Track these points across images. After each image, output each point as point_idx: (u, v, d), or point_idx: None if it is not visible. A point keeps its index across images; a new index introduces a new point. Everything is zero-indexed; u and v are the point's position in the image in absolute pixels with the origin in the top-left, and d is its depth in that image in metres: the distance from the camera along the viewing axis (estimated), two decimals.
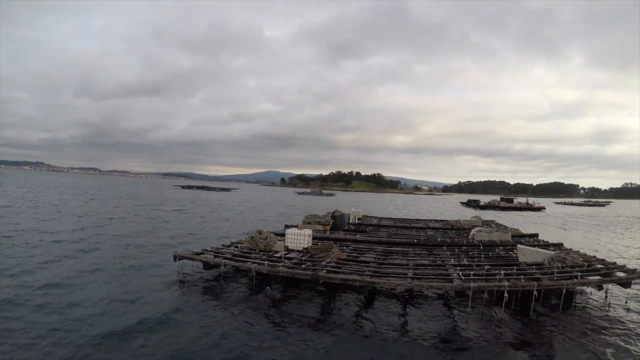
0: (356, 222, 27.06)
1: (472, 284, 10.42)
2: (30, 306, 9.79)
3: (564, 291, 11.00)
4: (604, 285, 11.84)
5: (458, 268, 12.89)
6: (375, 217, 33.20)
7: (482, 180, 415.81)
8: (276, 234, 17.66)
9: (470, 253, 16.27)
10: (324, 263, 12.79)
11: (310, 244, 15.17)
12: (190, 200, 58.46)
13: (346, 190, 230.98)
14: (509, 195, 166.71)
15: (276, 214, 44.48)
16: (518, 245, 16.07)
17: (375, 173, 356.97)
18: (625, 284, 11.68)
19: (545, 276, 11.82)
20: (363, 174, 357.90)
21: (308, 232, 15.79)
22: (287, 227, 20.49)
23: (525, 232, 24.25)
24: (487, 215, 51.69)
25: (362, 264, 13.21)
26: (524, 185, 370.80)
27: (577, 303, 11.71)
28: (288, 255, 13.98)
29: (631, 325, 10.01)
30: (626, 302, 11.94)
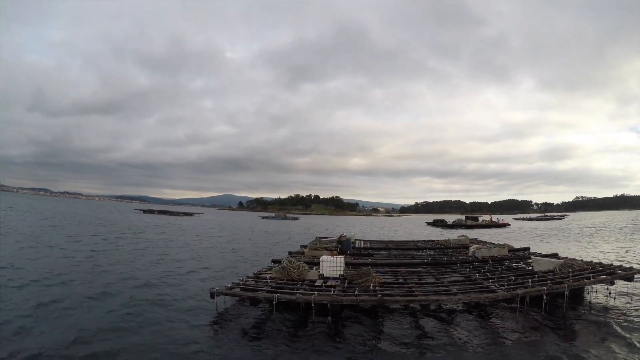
0: (357, 247, 26.93)
1: (518, 292, 11.87)
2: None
3: (585, 290, 14.28)
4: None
5: (490, 280, 13.92)
6: (367, 241, 33.33)
7: (438, 200, 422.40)
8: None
9: (487, 267, 17.55)
10: (371, 288, 12.96)
11: (343, 271, 15.23)
12: (164, 227, 56.49)
13: (306, 214, 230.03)
14: (465, 213, 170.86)
15: (262, 240, 43.79)
16: (532, 257, 17.76)
17: (334, 196, 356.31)
18: (629, 278, 14.42)
19: (565, 279, 13.44)
20: (321, 196, 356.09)
21: (341, 258, 15.84)
22: (273, 261, 19.72)
23: (517, 247, 25.51)
24: (457, 234, 53.56)
25: (405, 286, 13.56)
26: (480, 203, 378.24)
27: (586, 300, 14.20)
28: (328, 284, 13.77)
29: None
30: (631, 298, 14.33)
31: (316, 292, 12.20)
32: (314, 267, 15.62)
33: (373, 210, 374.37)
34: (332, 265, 15.23)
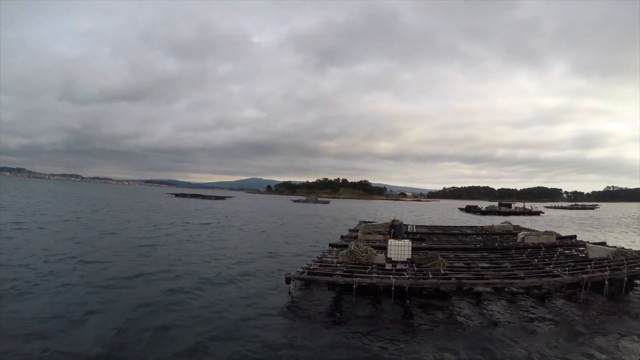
0: (408, 231, 27.20)
1: (583, 276, 12.57)
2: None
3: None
4: None
5: (551, 266, 14.56)
6: (411, 225, 32.91)
7: (466, 185, 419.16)
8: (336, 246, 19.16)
9: (542, 253, 18.01)
10: (442, 271, 13.37)
11: (410, 255, 15.46)
12: (206, 212, 56.16)
13: (335, 198, 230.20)
14: (494, 200, 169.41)
15: (305, 224, 44.28)
16: (587, 244, 18.32)
17: (362, 180, 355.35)
18: None
19: (621, 267, 14.06)
20: (349, 180, 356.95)
21: (408, 242, 15.87)
22: (331, 245, 20.14)
23: (563, 235, 25.86)
24: (491, 220, 53.78)
25: (472, 270, 14.07)
26: (508, 190, 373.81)
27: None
28: (398, 268, 13.95)
29: None
30: None
31: (391, 276, 12.32)
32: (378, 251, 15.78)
33: (401, 194, 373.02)
34: (400, 249, 15.43)
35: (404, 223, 26.55)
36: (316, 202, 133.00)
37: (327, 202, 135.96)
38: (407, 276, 12.42)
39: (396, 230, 22.95)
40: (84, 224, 30.39)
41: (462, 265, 15.19)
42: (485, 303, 12.11)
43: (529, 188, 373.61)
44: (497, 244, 21.61)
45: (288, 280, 12.21)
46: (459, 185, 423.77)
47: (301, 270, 13.08)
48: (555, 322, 10.58)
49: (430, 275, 12.61)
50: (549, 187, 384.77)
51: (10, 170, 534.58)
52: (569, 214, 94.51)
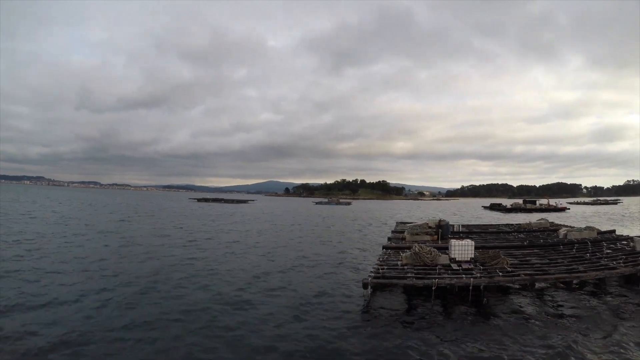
0: (454, 231, 27.49)
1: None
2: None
3: None
4: None
5: (604, 259, 15.56)
6: (458, 225, 32.42)
7: (484, 183, 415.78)
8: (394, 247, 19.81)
9: (590, 248, 18.97)
10: (507, 268, 13.99)
11: (473, 254, 15.82)
12: (236, 217, 57.19)
13: (354, 199, 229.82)
14: (513, 197, 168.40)
15: (341, 225, 44.75)
16: (634, 238, 19.20)
17: (381, 180, 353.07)
18: None
19: None
20: (367, 181, 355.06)
21: (471, 242, 16.26)
22: (385, 247, 20.19)
23: (602, 230, 26.55)
24: (517, 217, 54.52)
25: (534, 266, 14.82)
26: (527, 187, 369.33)
27: None
28: (464, 267, 14.44)
29: None
30: None
31: (464, 276, 12.93)
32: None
33: (419, 194, 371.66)
34: (463, 248, 15.77)
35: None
36: (338, 203, 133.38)
37: (348, 204, 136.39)
38: (478, 275, 13.07)
39: (443, 230, 23.45)
40: (150, 240, 27.46)
41: (517, 262, 15.79)
42: (548, 297, 12.97)
43: (548, 184, 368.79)
44: (541, 240, 22.43)
45: (365, 286, 12.45)
46: (477, 183, 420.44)
47: (373, 274, 13.29)
48: (618, 311, 11.53)
49: (500, 273, 13.32)
50: (569, 183, 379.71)
51: (30, 178, 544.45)
52: (593, 209, 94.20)
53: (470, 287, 12.26)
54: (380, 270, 14.08)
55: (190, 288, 14.19)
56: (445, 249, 16.92)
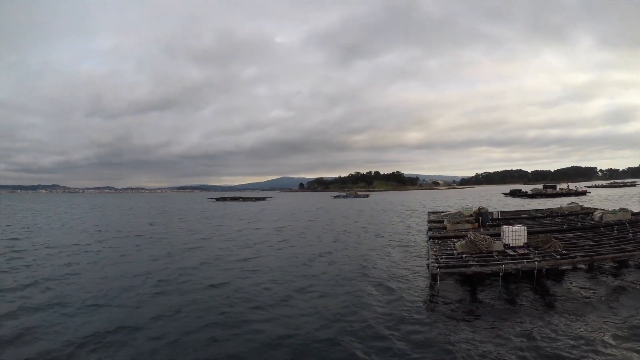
0: (494, 217, 27.68)
1: None
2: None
3: None
4: None
5: None
6: (497, 212, 31.73)
7: (499, 170, 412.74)
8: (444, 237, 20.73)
9: (630, 229, 19.57)
10: (562, 251, 14.66)
11: (526, 240, 16.36)
12: (265, 214, 57.41)
13: (369, 191, 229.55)
14: (528, 182, 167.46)
15: (368, 220, 44.67)
16: None
17: (395, 171, 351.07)
18: None
19: None
20: (381, 173, 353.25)
21: (524, 228, 16.74)
22: (432, 237, 20.88)
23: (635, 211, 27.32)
24: (538, 203, 55.47)
25: (585, 248, 15.64)
26: (542, 171, 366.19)
27: None
28: (520, 252, 14.96)
29: None
30: None
31: (525, 260, 13.51)
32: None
33: (434, 183, 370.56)
34: (516, 234, 16.29)
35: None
36: (356, 196, 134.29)
37: (366, 196, 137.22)
38: (538, 259, 13.64)
39: (483, 217, 24.33)
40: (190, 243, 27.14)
41: (565, 245, 16.35)
42: (602, 276, 13.89)
43: (563, 168, 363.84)
44: (579, 224, 23.29)
45: (434, 276, 12.99)
46: (491, 170, 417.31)
47: (437, 264, 13.61)
48: None
49: (558, 256, 14.04)
50: (584, 166, 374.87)
51: (45, 187, 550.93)
52: (611, 192, 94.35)
53: (535, 271, 12.97)
54: (441, 260, 14.46)
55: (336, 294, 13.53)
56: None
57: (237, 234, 32.12)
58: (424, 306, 11.71)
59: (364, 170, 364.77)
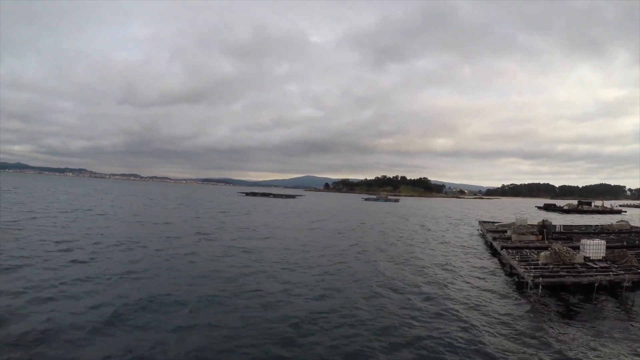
0: (556, 231, 28.73)
1: None
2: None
3: None
4: None
5: None
6: (559, 225, 32.91)
7: (525, 182, 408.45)
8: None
9: None
10: None
11: (604, 253, 17.50)
12: (308, 213, 58.69)
13: (395, 195, 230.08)
14: (555, 197, 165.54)
15: (420, 224, 46.89)
16: None
17: (422, 177, 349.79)
18: None
19: None
20: (407, 178, 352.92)
21: (602, 242, 17.92)
22: (503, 248, 21.26)
23: None
24: (574, 218, 56.65)
25: None
26: (570, 187, 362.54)
27: None
28: (601, 266, 15.97)
29: None
30: None
31: (611, 273, 14.69)
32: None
33: (460, 192, 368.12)
34: (596, 248, 17.42)
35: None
36: (387, 200, 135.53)
37: (397, 200, 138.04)
38: (622, 272, 14.78)
39: (548, 230, 25.49)
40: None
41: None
42: None
43: (591, 185, 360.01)
44: (637, 241, 24.92)
45: (537, 285, 13.84)
46: (517, 182, 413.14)
47: (532, 274, 14.37)
48: None
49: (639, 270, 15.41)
50: (612, 184, 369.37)
51: (72, 170, 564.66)
52: None
53: (624, 284, 14.13)
54: (532, 270, 15.20)
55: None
56: (547, 249, 18.47)
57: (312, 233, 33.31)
58: (530, 315, 12.18)
59: (389, 174, 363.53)
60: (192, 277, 15.40)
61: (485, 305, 12.97)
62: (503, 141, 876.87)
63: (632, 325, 11.47)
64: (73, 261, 16.95)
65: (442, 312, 12.15)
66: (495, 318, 11.68)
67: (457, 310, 12.24)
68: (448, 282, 16.19)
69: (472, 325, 10.92)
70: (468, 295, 14.32)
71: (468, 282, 16.32)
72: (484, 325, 10.96)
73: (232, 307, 11.89)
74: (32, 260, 16.51)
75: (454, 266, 19.88)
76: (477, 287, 15.56)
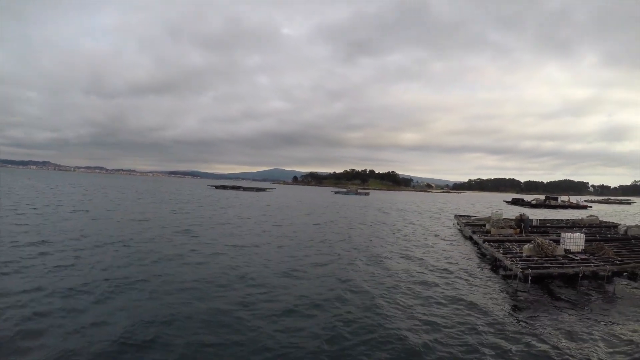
0: (533, 225, 29.40)
1: None
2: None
3: None
4: None
5: None
6: (536, 219, 33.31)
7: (491, 177, 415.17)
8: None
9: None
10: (618, 259, 16.87)
11: (583, 246, 18.28)
12: (295, 209, 55.21)
13: (363, 189, 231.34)
14: (520, 192, 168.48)
15: (398, 219, 47.04)
16: None
17: (390, 171, 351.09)
18: None
19: None
20: (375, 171, 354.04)
21: (582, 235, 18.76)
22: (485, 241, 21.86)
23: None
24: (541, 213, 58.25)
25: (631, 256, 17.93)
26: (535, 182, 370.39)
27: None
28: (582, 258, 16.77)
29: None
30: None
31: (591, 264, 15.66)
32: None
33: (427, 186, 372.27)
34: (576, 241, 18.18)
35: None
36: (357, 193, 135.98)
37: (367, 194, 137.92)
38: (602, 264, 15.86)
39: (525, 224, 26.28)
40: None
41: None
42: None
43: (555, 181, 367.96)
44: (609, 235, 26.21)
45: (526, 277, 14.35)
46: (483, 177, 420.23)
47: (520, 266, 14.88)
48: None
49: (617, 262, 16.37)
50: (576, 180, 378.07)
51: (35, 163, 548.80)
52: (610, 208, 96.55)
53: (606, 274, 15.26)
54: (519, 262, 15.74)
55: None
56: (526, 242, 19.62)
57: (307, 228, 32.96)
58: (505, 308, 12.33)
59: (358, 168, 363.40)
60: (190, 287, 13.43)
61: (478, 298, 13.24)
62: (470, 136, 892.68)
63: (617, 313, 12.24)
64: (57, 267, 14.93)
65: (440, 305, 12.46)
66: (490, 311, 11.88)
67: (458, 309, 12.17)
68: (442, 276, 16.38)
69: (473, 324, 10.89)
70: (458, 286, 14.77)
71: (458, 276, 16.51)
72: (481, 321, 11.10)
73: (245, 327, 10.12)
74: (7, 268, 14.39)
75: (452, 264, 19.48)
76: (466, 280, 15.82)
